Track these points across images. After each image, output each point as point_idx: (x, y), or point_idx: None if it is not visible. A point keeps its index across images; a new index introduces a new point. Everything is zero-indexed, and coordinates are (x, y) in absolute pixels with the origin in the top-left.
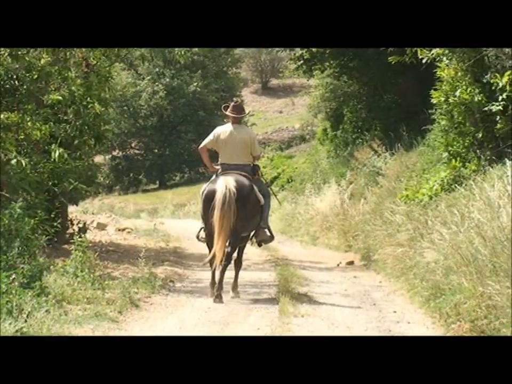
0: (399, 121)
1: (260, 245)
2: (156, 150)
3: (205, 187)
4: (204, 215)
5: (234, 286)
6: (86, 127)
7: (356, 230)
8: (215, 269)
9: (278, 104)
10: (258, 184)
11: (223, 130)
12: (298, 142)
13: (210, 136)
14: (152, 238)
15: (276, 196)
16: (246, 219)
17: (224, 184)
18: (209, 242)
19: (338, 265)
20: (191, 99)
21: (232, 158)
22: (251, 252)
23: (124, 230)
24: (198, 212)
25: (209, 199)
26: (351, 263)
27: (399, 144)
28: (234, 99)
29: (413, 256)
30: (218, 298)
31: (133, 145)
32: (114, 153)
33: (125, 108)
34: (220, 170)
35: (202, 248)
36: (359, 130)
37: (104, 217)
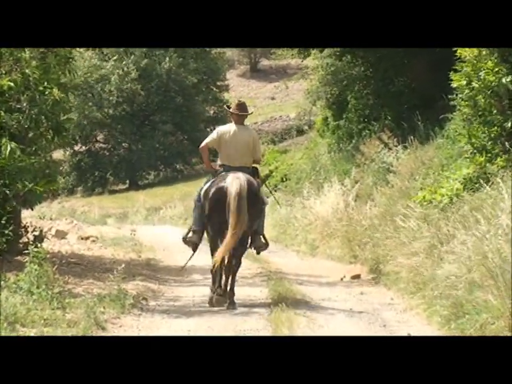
0: (413, 109)
1: (258, 253)
2: (126, 144)
3: (208, 186)
4: (211, 214)
5: (231, 294)
6: (43, 117)
7: (362, 238)
8: (216, 272)
9: (270, 89)
10: (258, 186)
11: (227, 130)
12: (294, 134)
13: (213, 135)
14: (122, 248)
15: (274, 196)
16: (254, 219)
17: (237, 182)
18: (215, 244)
19: (342, 279)
20: (165, 81)
21: (234, 159)
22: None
23: (87, 238)
24: (176, 217)
25: (219, 197)
26: (357, 276)
27: (413, 136)
28: (240, 99)
29: (430, 268)
30: (223, 297)
31: (98, 138)
32: (76, 147)
33: (89, 94)
34: (220, 171)
35: (180, 259)
36: (366, 119)
37: (65, 223)
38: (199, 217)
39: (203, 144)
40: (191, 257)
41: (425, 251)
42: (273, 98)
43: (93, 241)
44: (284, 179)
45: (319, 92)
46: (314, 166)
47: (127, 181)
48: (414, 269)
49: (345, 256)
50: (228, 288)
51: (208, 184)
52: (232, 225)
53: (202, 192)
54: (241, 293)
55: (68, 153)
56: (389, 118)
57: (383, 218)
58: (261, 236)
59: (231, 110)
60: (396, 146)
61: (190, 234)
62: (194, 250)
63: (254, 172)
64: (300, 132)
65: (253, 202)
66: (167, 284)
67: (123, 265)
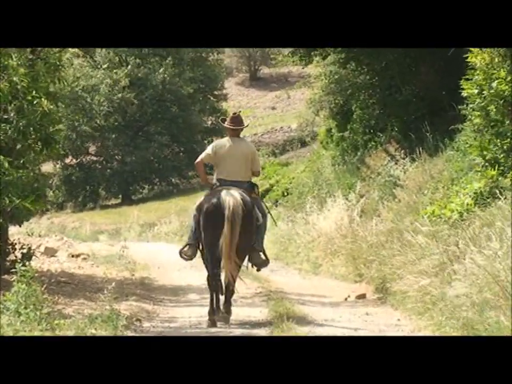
0: (421, 119)
1: (258, 270)
2: (119, 156)
3: (202, 202)
4: (204, 230)
5: (228, 308)
6: (31, 129)
7: (368, 255)
8: (214, 292)
9: (270, 98)
10: (256, 202)
11: (222, 144)
12: (295, 146)
13: (208, 150)
14: (114, 266)
15: (271, 214)
16: (249, 237)
17: (231, 198)
18: (211, 259)
19: (346, 299)
20: (160, 91)
21: (231, 174)
22: (237, 283)
23: (78, 256)
24: (171, 233)
25: (213, 213)
26: (362, 296)
27: (421, 148)
28: (234, 111)
29: (439, 287)
30: (227, 314)
31: (90, 150)
32: (67, 160)
33: (80, 104)
34: (216, 186)
35: (176, 278)
36: (372, 130)
37: (54, 240)
38: (193, 231)
39: (198, 159)
40: None
41: (434, 269)
42: (274, 108)
43: (84, 259)
44: (285, 193)
45: (322, 101)
46: (317, 180)
47: (120, 196)
48: (423, 288)
49: (350, 274)
50: (225, 300)
51: (202, 198)
52: (227, 243)
53: (195, 207)
54: (240, 313)
55: (57, 166)
56: (396, 128)
57: (389, 234)
58: (260, 253)
59: (225, 124)
60: (403, 158)
61: (186, 248)
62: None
63: (252, 187)
64: (302, 144)
65: (247, 219)
66: (162, 304)
67: (113, 284)
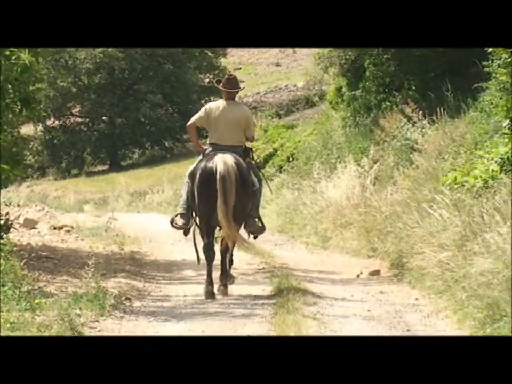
0: (441, 77)
1: (255, 237)
2: (106, 118)
3: (194, 167)
4: (199, 197)
5: (224, 280)
6: (9, 86)
7: (382, 228)
8: (210, 262)
9: (274, 53)
10: (251, 166)
11: (216, 106)
12: (302, 107)
13: (201, 113)
14: (101, 239)
15: (267, 182)
16: (246, 202)
17: (224, 162)
18: (206, 227)
19: (358, 276)
20: None
21: (224, 138)
22: (238, 258)
23: (61, 228)
24: (164, 203)
25: (207, 180)
26: (376, 273)
27: (441, 109)
28: (228, 72)
29: (462, 263)
30: (224, 287)
31: (73, 111)
32: (49, 122)
33: (62, 59)
34: (208, 151)
35: (169, 253)
36: (386, 89)
37: (35, 210)
38: (186, 199)
39: (190, 122)
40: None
41: (456, 243)
42: (278, 65)
43: (68, 231)
44: (291, 159)
45: (332, 57)
46: (326, 144)
47: (108, 161)
48: (443, 265)
49: (362, 249)
50: (220, 272)
51: (195, 165)
52: (223, 207)
53: (187, 174)
54: (240, 292)
55: (38, 128)
56: (413, 87)
57: (406, 204)
58: (256, 219)
59: (220, 85)
60: (421, 120)
61: (177, 217)
62: (186, 234)
63: (246, 151)
64: (309, 104)
65: (242, 184)
66: (154, 282)
67: (100, 259)
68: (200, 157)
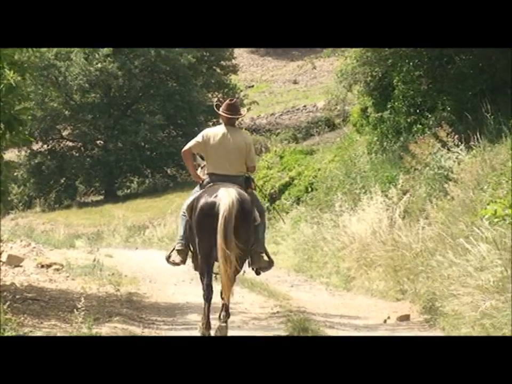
0: (480, 96)
1: (258, 273)
2: (101, 142)
3: (193, 199)
4: (199, 235)
5: (226, 318)
6: None
7: (412, 267)
8: (209, 305)
9: (291, 69)
10: (253, 200)
11: (215, 133)
12: (322, 129)
13: (198, 138)
14: (94, 279)
15: (278, 212)
16: (249, 239)
17: (229, 196)
18: (206, 266)
19: (385, 321)
20: (153, 59)
21: (224, 167)
22: (249, 300)
23: (49, 266)
24: (166, 238)
25: (208, 213)
26: (405, 318)
27: (479, 133)
28: (231, 97)
29: (503, 307)
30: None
31: (64, 134)
32: (35, 146)
33: (51, 76)
34: (207, 181)
35: (172, 294)
36: (418, 110)
37: (20, 246)
38: (183, 233)
39: (186, 148)
40: None
41: (496, 285)
42: (295, 82)
43: (57, 269)
44: (309, 189)
45: (356, 73)
46: (350, 172)
47: (103, 191)
48: (482, 309)
49: (390, 290)
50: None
51: (194, 197)
52: (224, 248)
53: (185, 207)
54: None
55: (23, 153)
56: (448, 108)
57: (440, 241)
58: (262, 254)
59: (220, 110)
60: (457, 145)
61: (174, 253)
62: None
63: (247, 181)
64: (331, 127)
65: (246, 221)
66: (154, 327)
67: (92, 302)
68: (198, 188)
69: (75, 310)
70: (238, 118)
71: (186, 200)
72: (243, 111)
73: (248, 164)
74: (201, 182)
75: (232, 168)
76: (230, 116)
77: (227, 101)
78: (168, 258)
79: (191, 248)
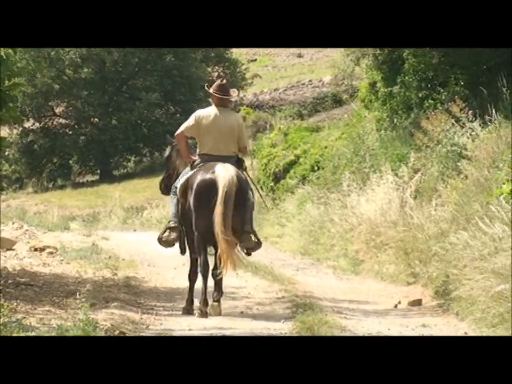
0: (495, 70)
1: (249, 254)
2: (95, 119)
3: (188, 178)
4: (197, 212)
5: (219, 294)
6: None
7: (425, 249)
8: (206, 281)
9: None
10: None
11: (206, 114)
12: (329, 105)
13: (191, 121)
14: (90, 262)
15: (262, 197)
16: (245, 216)
17: (227, 172)
18: (202, 242)
19: (396, 306)
20: None
21: (218, 148)
22: (253, 284)
23: (43, 249)
24: (165, 219)
25: (206, 189)
26: (417, 302)
27: (494, 108)
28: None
29: None
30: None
31: (57, 111)
32: (27, 124)
33: (43, 51)
34: (198, 162)
35: (171, 278)
36: (429, 84)
37: (12, 229)
38: (176, 213)
39: (179, 131)
40: None
41: None
42: (300, 56)
43: (51, 253)
44: (316, 168)
45: None
46: (358, 150)
47: (98, 171)
48: (497, 293)
49: (401, 274)
50: (214, 287)
51: (187, 175)
52: (223, 223)
53: (179, 185)
54: (256, 325)
55: (15, 132)
56: (462, 82)
57: (453, 221)
58: (251, 234)
59: (211, 90)
60: (471, 121)
61: (167, 233)
62: (183, 252)
63: (239, 162)
64: (338, 102)
65: (241, 198)
66: (153, 312)
67: (89, 286)
68: (189, 169)
69: (78, 294)
70: (229, 99)
71: (178, 180)
72: (233, 92)
73: (241, 145)
74: (192, 162)
75: (225, 148)
76: (221, 96)
77: (218, 81)
78: (160, 239)
79: (183, 227)
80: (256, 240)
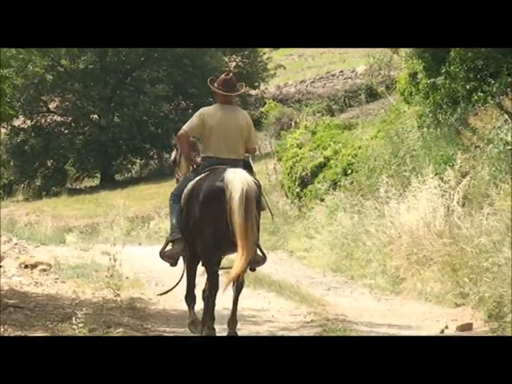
0: None
1: (253, 270)
2: (95, 116)
3: (195, 184)
4: (202, 223)
5: (234, 320)
6: None
7: (475, 265)
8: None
9: None
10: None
11: (211, 113)
12: (363, 99)
13: (196, 120)
14: (89, 281)
15: (268, 205)
16: (258, 225)
17: (240, 179)
18: (213, 256)
19: (442, 331)
20: None
21: (225, 150)
22: (277, 306)
23: (35, 266)
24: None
25: (215, 198)
26: (467, 327)
27: None
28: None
29: None
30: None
31: (50, 107)
32: (17, 122)
33: None
34: (204, 165)
35: (182, 300)
36: (478, 75)
37: None
38: (177, 223)
39: (182, 131)
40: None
41: None
42: None
43: (44, 270)
44: (348, 171)
45: None
46: (397, 151)
47: (98, 175)
48: None
49: (448, 294)
50: (230, 316)
51: (193, 183)
52: (241, 235)
53: (185, 192)
54: None
55: (3, 131)
56: None
57: (508, 232)
58: (257, 248)
59: (214, 86)
60: None
61: (169, 246)
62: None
63: (248, 167)
64: (373, 96)
65: (259, 209)
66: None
67: (85, 310)
68: (193, 174)
69: (74, 319)
70: (235, 96)
71: (179, 187)
72: (240, 86)
73: (249, 146)
74: (196, 166)
75: (233, 151)
76: (226, 93)
77: (222, 76)
78: (163, 253)
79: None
80: (261, 254)
